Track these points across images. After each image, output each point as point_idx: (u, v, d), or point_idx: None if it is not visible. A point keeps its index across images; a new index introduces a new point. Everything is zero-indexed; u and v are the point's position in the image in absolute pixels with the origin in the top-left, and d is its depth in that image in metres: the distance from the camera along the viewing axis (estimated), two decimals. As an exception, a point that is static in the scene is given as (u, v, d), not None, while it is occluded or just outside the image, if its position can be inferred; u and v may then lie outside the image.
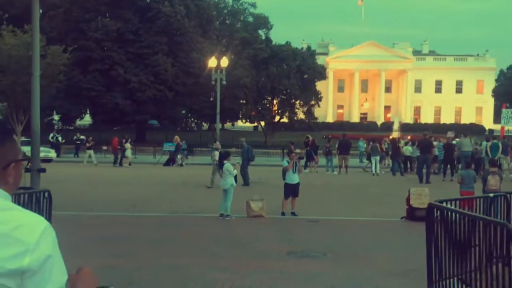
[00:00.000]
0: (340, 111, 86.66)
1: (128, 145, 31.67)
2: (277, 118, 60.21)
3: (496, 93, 76.21)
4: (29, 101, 12.04)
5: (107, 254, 8.83)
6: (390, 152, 29.49)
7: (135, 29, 52.74)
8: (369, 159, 29.79)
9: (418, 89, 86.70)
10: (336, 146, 29.02)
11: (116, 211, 13.88)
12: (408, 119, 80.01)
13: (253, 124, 66.92)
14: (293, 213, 13.43)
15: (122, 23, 51.79)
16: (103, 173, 26.32)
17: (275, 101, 59.60)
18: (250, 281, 7.44)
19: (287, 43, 60.31)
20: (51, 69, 30.31)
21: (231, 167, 13.48)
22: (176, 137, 33.01)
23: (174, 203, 15.70)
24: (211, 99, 51.90)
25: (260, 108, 59.10)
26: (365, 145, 34.05)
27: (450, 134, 29.80)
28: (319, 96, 60.80)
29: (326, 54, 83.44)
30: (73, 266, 1.76)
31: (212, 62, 30.62)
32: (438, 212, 6.13)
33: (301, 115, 60.09)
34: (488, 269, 5.15)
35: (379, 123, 75.17)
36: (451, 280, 5.81)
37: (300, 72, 57.78)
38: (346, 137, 29.97)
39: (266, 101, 59.41)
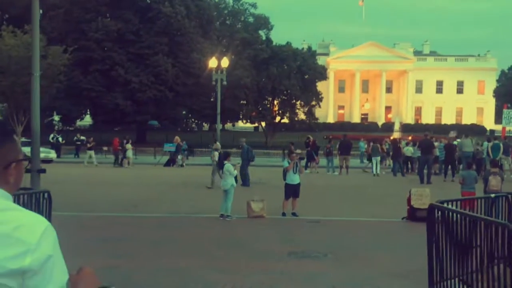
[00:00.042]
0: (341, 111, 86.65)
1: (129, 146, 31.69)
2: (277, 118, 60.16)
3: (497, 93, 76.20)
4: (29, 101, 12.04)
5: (107, 254, 8.82)
6: (391, 153, 29.52)
7: (136, 29, 52.75)
8: (369, 159, 29.78)
9: (419, 89, 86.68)
10: (337, 146, 29.02)
11: (117, 212, 13.87)
12: (409, 119, 80.00)
13: (253, 125, 66.94)
14: (293, 214, 13.41)
15: (122, 24, 51.81)
16: (104, 173, 26.33)
17: (275, 102, 59.54)
18: (250, 281, 7.43)
19: (287, 43, 60.27)
20: (51, 69, 30.38)
21: (232, 167, 13.48)
22: (177, 137, 32.97)
23: (175, 203, 15.68)
24: (212, 99, 51.98)
25: (260, 109, 59.05)
26: (365, 146, 34.03)
27: (452, 133, 29.72)
28: (320, 96, 60.78)
29: (326, 54, 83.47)
30: (74, 266, 1.75)
31: (212, 63, 30.63)
32: (439, 212, 6.12)
33: (301, 116, 60.03)
34: (490, 270, 5.14)
35: (380, 123, 75.21)
36: (452, 281, 5.81)
37: (300, 73, 57.74)
38: (347, 138, 30.02)
39: (266, 101, 59.35)
